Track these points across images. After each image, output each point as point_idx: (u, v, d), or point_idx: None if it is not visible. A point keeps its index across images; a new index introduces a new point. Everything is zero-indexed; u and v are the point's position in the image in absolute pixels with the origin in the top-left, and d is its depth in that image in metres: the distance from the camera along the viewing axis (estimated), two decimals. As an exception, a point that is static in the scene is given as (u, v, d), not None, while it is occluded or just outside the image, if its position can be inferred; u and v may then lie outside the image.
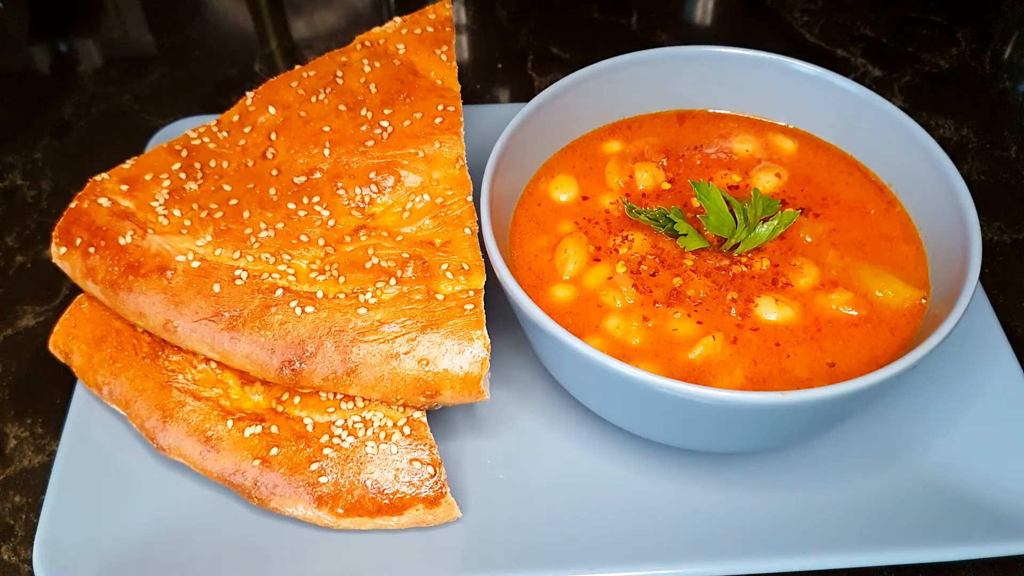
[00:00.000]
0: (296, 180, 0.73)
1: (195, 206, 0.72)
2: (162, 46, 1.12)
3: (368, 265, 0.67)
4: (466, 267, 0.67)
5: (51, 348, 0.72)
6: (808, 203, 0.73)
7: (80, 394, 0.72)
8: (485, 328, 0.65)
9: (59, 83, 1.07)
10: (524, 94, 1.04)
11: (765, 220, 0.68)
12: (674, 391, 0.56)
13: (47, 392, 0.76)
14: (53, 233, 0.72)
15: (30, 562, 0.64)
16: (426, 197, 0.72)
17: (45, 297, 0.84)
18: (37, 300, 0.84)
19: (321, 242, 0.69)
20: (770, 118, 0.80)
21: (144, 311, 0.67)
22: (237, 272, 0.67)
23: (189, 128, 0.80)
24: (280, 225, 0.70)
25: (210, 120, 0.80)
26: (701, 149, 0.78)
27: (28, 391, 0.77)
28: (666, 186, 0.75)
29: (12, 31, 1.14)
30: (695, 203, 0.73)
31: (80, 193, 0.73)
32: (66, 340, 0.71)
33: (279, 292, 0.66)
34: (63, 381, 0.73)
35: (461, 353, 0.64)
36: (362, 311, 0.65)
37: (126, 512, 0.66)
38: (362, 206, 0.72)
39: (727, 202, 0.68)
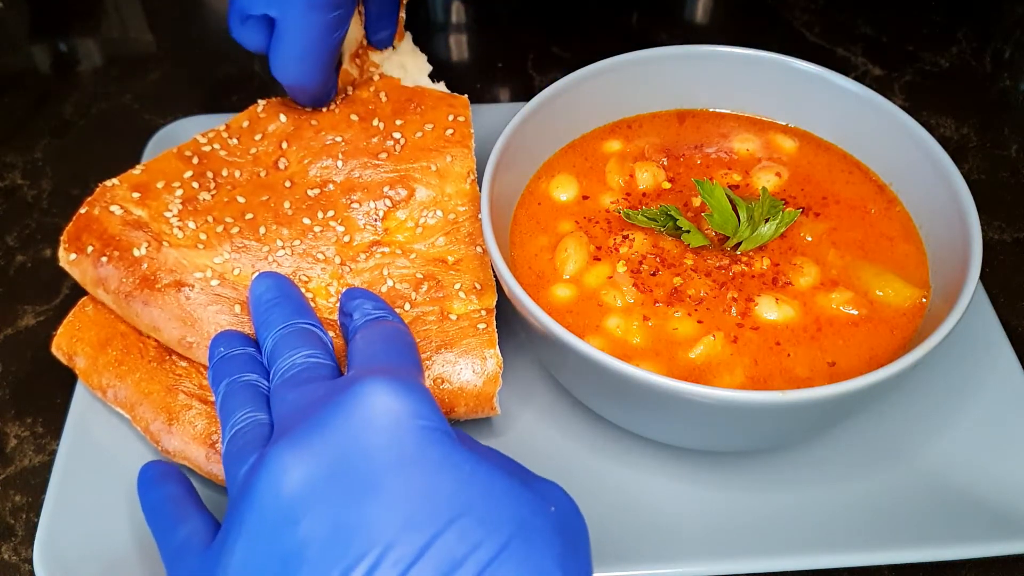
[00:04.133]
0: (310, 192, 0.73)
1: (210, 219, 0.71)
2: (162, 46, 1.12)
3: (384, 288, 0.68)
4: (478, 287, 0.68)
5: (54, 351, 0.72)
6: (808, 202, 0.73)
7: (81, 393, 0.72)
8: (497, 347, 0.65)
9: (59, 83, 1.07)
10: (524, 93, 1.04)
11: (767, 219, 0.68)
12: (674, 390, 0.56)
13: (47, 392, 0.76)
14: (62, 237, 0.72)
15: (30, 562, 0.64)
16: (439, 213, 0.72)
17: (45, 297, 0.84)
18: (37, 300, 0.84)
19: (337, 260, 0.69)
20: (770, 117, 0.80)
21: (159, 326, 0.67)
22: None
23: (189, 128, 0.80)
24: (297, 243, 0.70)
25: (210, 120, 0.80)
26: (701, 148, 0.78)
27: (28, 391, 0.77)
28: (667, 185, 0.75)
29: (12, 31, 1.14)
30: (695, 202, 0.73)
31: (90, 199, 0.72)
32: (70, 343, 0.71)
33: None
34: (64, 381, 0.73)
35: (475, 372, 0.65)
36: None
37: (127, 512, 0.66)
38: (375, 222, 0.72)
39: (730, 200, 0.68)
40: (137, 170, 0.74)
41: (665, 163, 0.77)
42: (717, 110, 0.81)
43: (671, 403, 0.58)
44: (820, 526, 0.64)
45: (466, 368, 0.65)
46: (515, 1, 1.17)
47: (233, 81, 1.06)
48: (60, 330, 0.72)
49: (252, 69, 1.08)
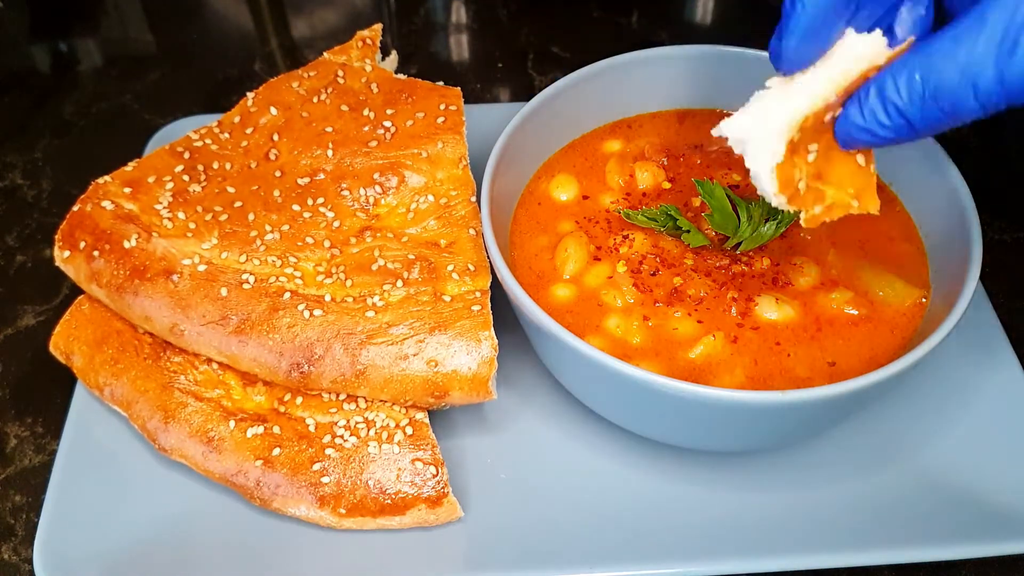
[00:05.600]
0: (300, 181, 0.73)
1: (199, 208, 0.71)
2: (162, 46, 1.12)
3: (374, 267, 0.67)
4: (472, 268, 0.67)
5: (52, 349, 0.72)
6: (808, 202, 0.73)
7: (80, 393, 0.72)
8: (492, 328, 0.65)
9: (59, 83, 1.07)
10: (524, 93, 1.04)
11: (767, 219, 0.68)
12: (674, 390, 0.56)
13: (47, 392, 0.76)
14: (56, 236, 0.72)
15: (30, 562, 0.64)
16: (430, 198, 0.72)
17: (45, 297, 0.84)
18: (37, 300, 0.84)
19: (327, 244, 0.69)
20: (770, 117, 0.79)
21: (151, 315, 0.68)
22: (244, 276, 0.67)
23: (189, 128, 0.80)
24: (285, 227, 0.70)
25: (210, 120, 0.80)
26: (701, 148, 0.78)
27: (28, 391, 0.77)
28: (666, 185, 0.75)
29: (12, 31, 1.14)
30: (695, 203, 0.73)
31: (83, 196, 0.73)
32: (67, 341, 0.71)
33: (286, 295, 0.66)
34: (63, 381, 0.73)
35: (469, 354, 0.64)
36: (370, 314, 0.65)
37: (127, 512, 0.66)
38: (367, 207, 0.72)
39: (730, 200, 0.68)
40: (129, 167, 0.75)
41: (665, 163, 0.77)
42: (717, 110, 0.81)
43: (671, 403, 0.58)
44: (820, 526, 0.64)
45: (460, 350, 0.65)
46: (515, 1, 1.17)
47: (233, 81, 1.06)
48: (57, 329, 0.72)
49: (252, 69, 1.08)
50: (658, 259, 0.69)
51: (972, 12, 0.48)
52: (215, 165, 0.75)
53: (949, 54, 0.48)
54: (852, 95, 0.52)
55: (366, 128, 0.75)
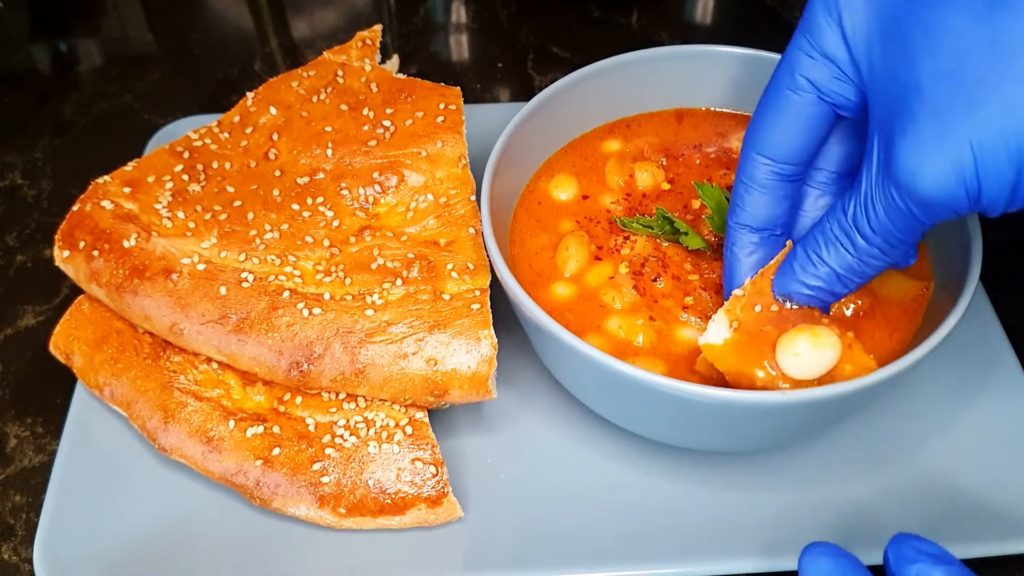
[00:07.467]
0: (299, 181, 0.73)
1: (199, 208, 0.72)
2: (162, 46, 1.12)
3: (374, 266, 0.67)
4: (471, 266, 0.67)
5: (52, 349, 0.72)
6: (808, 202, 0.73)
7: (80, 393, 0.72)
8: (492, 327, 0.65)
9: (59, 83, 1.07)
10: (524, 93, 1.04)
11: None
12: (674, 390, 0.56)
13: (47, 392, 0.76)
14: (56, 236, 0.72)
15: (30, 562, 0.64)
16: (430, 197, 0.72)
17: (45, 297, 0.84)
18: (37, 300, 0.84)
19: (326, 243, 0.69)
20: (770, 117, 0.79)
21: (150, 314, 0.68)
22: (243, 275, 0.67)
23: (189, 128, 0.80)
24: (285, 226, 0.70)
25: (210, 120, 0.80)
26: (700, 148, 0.78)
27: (28, 391, 0.77)
28: (666, 186, 0.75)
29: (12, 31, 1.14)
30: (695, 204, 0.73)
31: (82, 196, 0.73)
32: (67, 341, 0.71)
33: (286, 294, 0.66)
34: (63, 381, 0.73)
35: (469, 352, 0.64)
36: (369, 312, 0.65)
37: (127, 512, 0.66)
38: (366, 206, 0.72)
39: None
40: (129, 167, 0.75)
41: (664, 163, 0.77)
42: (716, 110, 0.81)
43: (671, 403, 0.58)
44: (820, 526, 0.64)
45: (460, 349, 0.64)
46: (515, 1, 1.17)
47: (233, 81, 1.06)
48: (57, 328, 0.72)
49: (252, 69, 1.08)
50: (659, 261, 0.68)
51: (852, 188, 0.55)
52: (215, 165, 0.75)
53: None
54: (781, 264, 0.60)
55: (365, 127, 0.75)
